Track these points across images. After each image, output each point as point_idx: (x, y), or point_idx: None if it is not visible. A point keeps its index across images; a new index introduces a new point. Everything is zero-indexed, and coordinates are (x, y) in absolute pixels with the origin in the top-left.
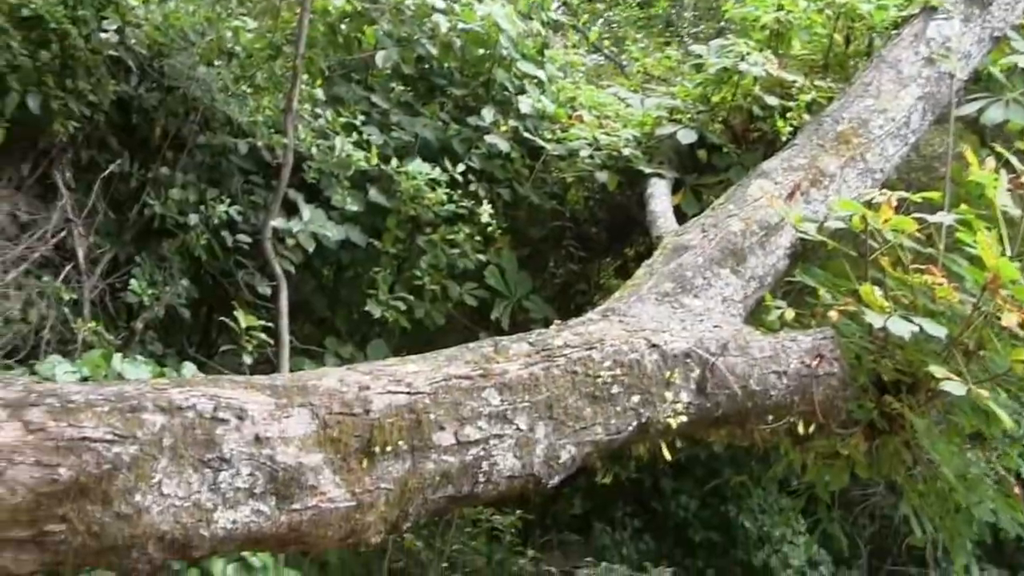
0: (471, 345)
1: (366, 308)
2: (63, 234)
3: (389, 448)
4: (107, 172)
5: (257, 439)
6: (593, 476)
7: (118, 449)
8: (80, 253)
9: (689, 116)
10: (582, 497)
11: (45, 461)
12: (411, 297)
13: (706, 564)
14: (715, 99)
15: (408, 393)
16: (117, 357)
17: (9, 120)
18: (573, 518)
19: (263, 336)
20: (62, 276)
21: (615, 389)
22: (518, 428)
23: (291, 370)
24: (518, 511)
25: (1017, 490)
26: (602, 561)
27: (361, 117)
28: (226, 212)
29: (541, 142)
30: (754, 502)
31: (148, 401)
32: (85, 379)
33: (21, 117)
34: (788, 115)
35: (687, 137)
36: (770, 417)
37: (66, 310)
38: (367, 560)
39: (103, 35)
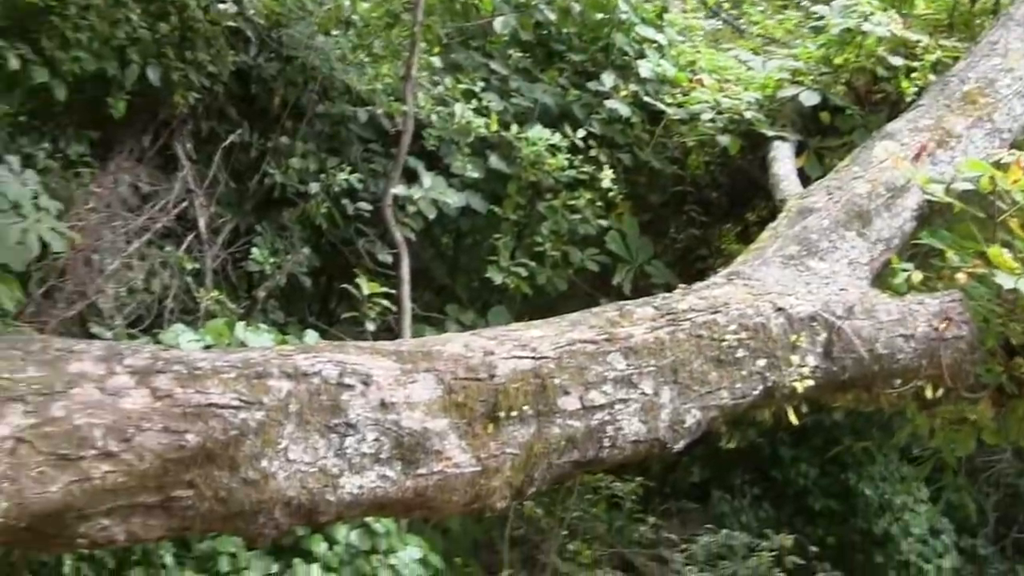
0: (595, 310)
1: (487, 275)
2: (184, 204)
3: (514, 413)
4: (227, 142)
5: (383, 404)
6: (713, 444)
7: (244, 415)
8: (201, 223)
9: (811, 78)
10: (701, 465)
11: (173, 427)
12: (532, 263)
13: (826, 532)
14: (838, 60)
15: (533, 358)
16: (240, 325)
17: (130, 92)
18: (692, 486)
19: (385, 303)
20: (184, 246)
21: (740, 353)
22: (643, 392)
23: (412, 337)
24: (638, 478)
25: None
26: (722, 528)
27: (480, 84)
28: (346, 180)
29: (662, 106)
30: (875, 470)
31: (274, 367)
32: (208, 347)
33: (142, 89)
34: (913, 75)
35: (810, 99)
36: (897, 381)
37: (188, 280)
38: (488, 527)
39: (221, 6)
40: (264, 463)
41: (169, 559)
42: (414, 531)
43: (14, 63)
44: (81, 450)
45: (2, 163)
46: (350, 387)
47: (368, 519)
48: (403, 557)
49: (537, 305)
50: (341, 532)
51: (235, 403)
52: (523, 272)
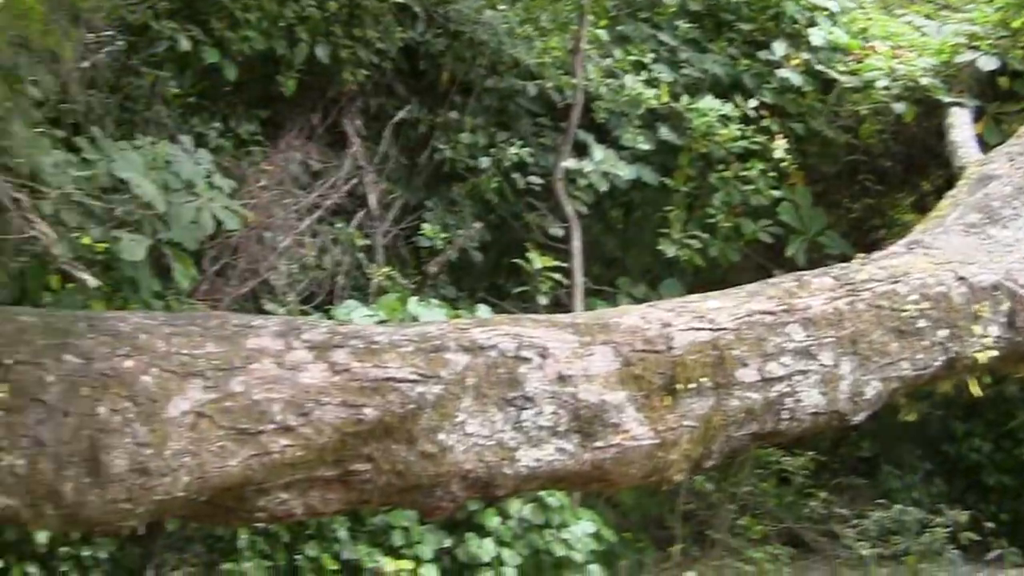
0: (772, 280)
1: (659, 247)
2: (354, 181)
3: (692, 385)
4: (396, 119)
5: (560, 377)
6: (883, 418)
7: (422, 389)
8: (372, 199)
9: (989, 42)
10: (870, 439)
11: (350, 401)
12: (704, 235)
13: (999, 508)
14: (1016, 24)
15: (711, 329)
16: (412, 300)
17: (299, 71)
18: (860, 461)
19: (556, 277)
20: (355, 222)
21: (921, 323)
22: (822, 364)
23: (585, 311)
24: (808, 453)
25: None
26: (893, 504)
27: (649, 55)
28: (516, 154)
29: (834, 74)
30: None
31: (451, 341)
32: (382, 322)
33: (310, 68)
34: None
35: (988, 64)
36: None
37: (360, 256)
38: (659, 502)
39: None
40: (441, 436)
41: (343, 533)
42: (586, 505)
43: (185, 44)
44: (260, 424)
45: (176, 143)
46: (527, 360)
47: (541, 493)
48: (576, 531)
49: (709, 278)
50: (514, 506)
51: (413, 377)
52: (695, 244)
